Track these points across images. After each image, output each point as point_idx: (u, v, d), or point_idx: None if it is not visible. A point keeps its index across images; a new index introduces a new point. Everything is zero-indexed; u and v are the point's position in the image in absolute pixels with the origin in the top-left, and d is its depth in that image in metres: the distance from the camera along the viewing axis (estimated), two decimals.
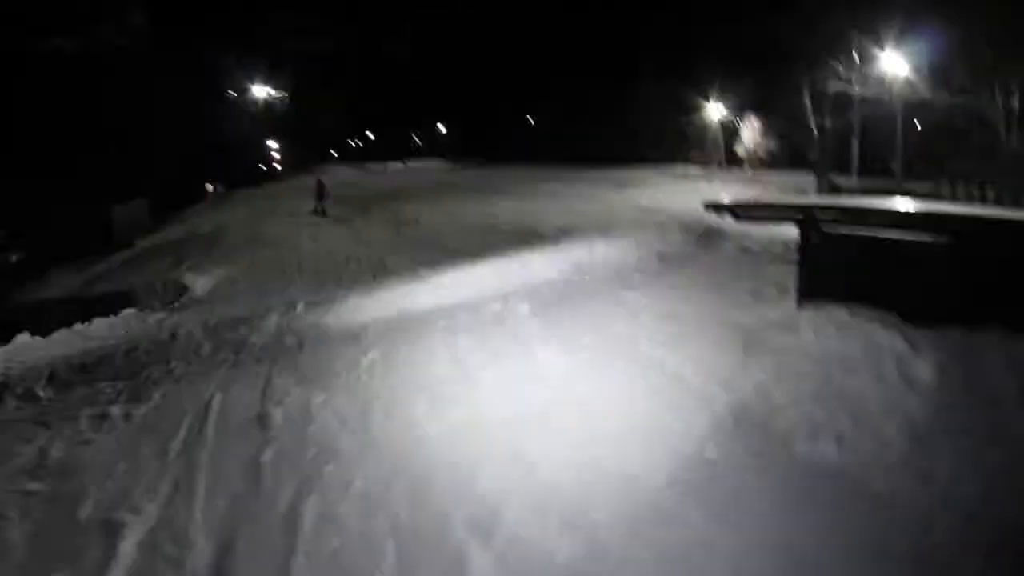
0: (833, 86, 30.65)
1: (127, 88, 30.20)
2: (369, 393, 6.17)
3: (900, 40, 26.54)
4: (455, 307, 8.88)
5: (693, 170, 34.26)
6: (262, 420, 5.64)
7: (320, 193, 24.37)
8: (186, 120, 33.48)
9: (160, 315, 11.07)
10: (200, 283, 13.85)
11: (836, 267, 6.60)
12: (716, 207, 7.70)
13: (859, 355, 5.70)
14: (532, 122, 51.47)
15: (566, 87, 44.39)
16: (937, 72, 25.51)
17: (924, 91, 26.67)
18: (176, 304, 12.25)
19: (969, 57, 23.34)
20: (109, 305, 11.52)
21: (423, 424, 5.60)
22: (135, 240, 24.69)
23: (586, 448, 5.02)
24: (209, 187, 42.03)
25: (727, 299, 8.67)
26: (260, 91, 46.18)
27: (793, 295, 7.64)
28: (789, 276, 9.76)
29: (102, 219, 26.85)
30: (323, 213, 23.57)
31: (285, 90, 47.45)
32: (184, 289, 13.52)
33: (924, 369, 5.25)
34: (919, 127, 29.15)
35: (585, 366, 6.72)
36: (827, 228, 6.65)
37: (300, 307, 9.61)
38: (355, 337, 8.01)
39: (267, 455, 4.96)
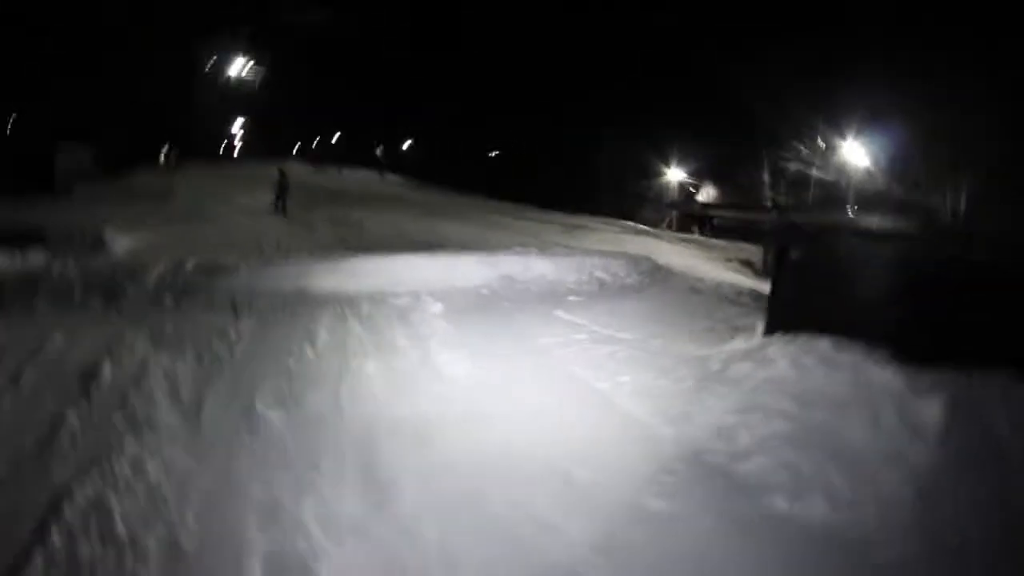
0: (793, 166, 30.90)
1: (95, 36, 28.66)
2: (219, 366, 5.19)
3: (863, 131, 26.95)
4: (359, 295, 7.50)
5: (644, 227, 33.99)
6: (88, 374, 4.76)
7: (282, 187, 21.06)
8: (151, 78, 31.66)
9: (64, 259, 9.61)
10: (122, 241, 12.80)
11: (818, 290, 5.37)
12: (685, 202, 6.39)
13: (849, 393, 4.41)
14: (492, 156, 50.78)
15: (532, 128, 43.83)
16: (895, 165, 25.82)
17: (880, 183, 27.00)
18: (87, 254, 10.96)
19: (928, 153, 23.63)
20: (17, 241, 10.46)
21: (266, 412, 4.23)
22: (74, 187, 22.76)
23: (474, 478, 3.52)
24: (163, 154, 40.41)
25: (677, 330, 7.37)
26: (235, 65, 43.12)
27: (754, 333, 6.37)
28: (744, 317, 8.67)
29: (44, 159, 24.90)
30: (283, 211, 20.02)
31: (260, 69, 44.44)
32: (102, 243, 12.45)
33: (929, 412, 4.00)
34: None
35: (496, 379, 5.24)
36: (811, 244, 5.48)
37: (191, 267, 8.40)
38: (236, 305, 7.07)
39: (71, 416, 4.07)
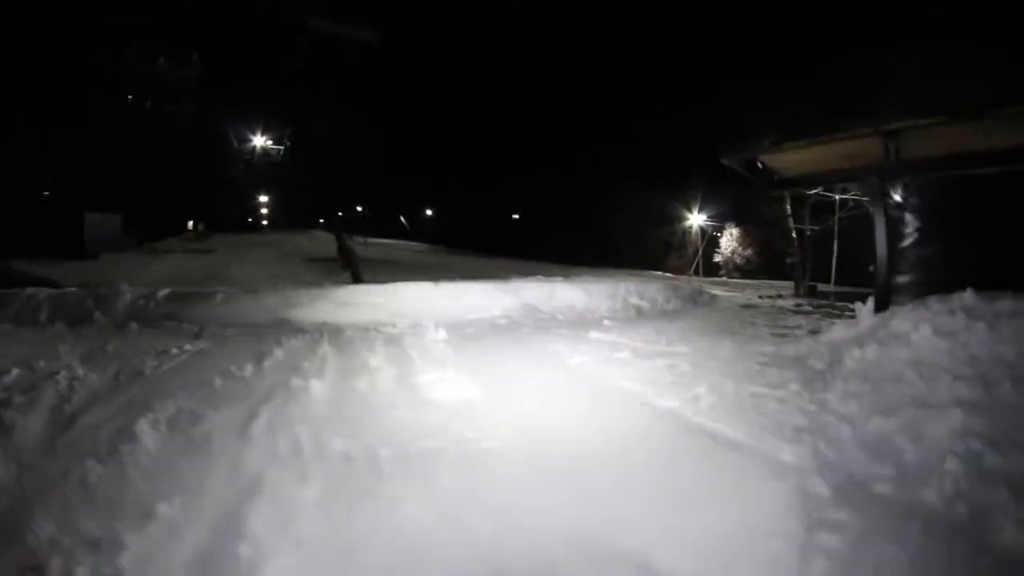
0: (813, 190, 29.60)
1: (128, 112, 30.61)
2: (132, 380, 4.26)
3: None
4: (348, 325, 6.43)
5: (670, 275, 32.84)
6: None
7: (347, 255, 19.56)
8: (181, 151, 33.08)
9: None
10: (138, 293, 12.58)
11: (937, 237, 3.94)
12: (741, 152, 5.00)
13: None
14: (516, 218, 50.47)
15: (555, 187, 43.56)
16: None
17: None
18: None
19: None
20: (27, 283, 10.21)
21: (144, 432, 3.10)
22: (100, 253, 23.07)
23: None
24: (190, 224, 41.10)
25: (745, 339, 5.86)
26: (259, 140, 43.94)
27: (852, 320, 4.88)
28: (817, 322, 7.23)
29: (75, 226, 26.38)
30: (357, 279, 18.64)
31: (283, 144, 45.26)
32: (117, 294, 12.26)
33: None
34: None
35: (502, 404, 3.67)
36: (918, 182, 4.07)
37: (165, 295, 7.85)
38: (201, 331, 6.37)
39: None
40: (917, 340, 3.38)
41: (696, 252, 36.93)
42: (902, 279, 4.21)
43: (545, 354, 5.10)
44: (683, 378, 4.11)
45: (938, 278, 3.90)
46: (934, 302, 3.63)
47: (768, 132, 4.47)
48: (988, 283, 3.62)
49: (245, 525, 2.21)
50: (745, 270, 35.16)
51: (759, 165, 5.14)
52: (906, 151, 4.21)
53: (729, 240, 36.25)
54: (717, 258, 36.48)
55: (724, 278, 33.76)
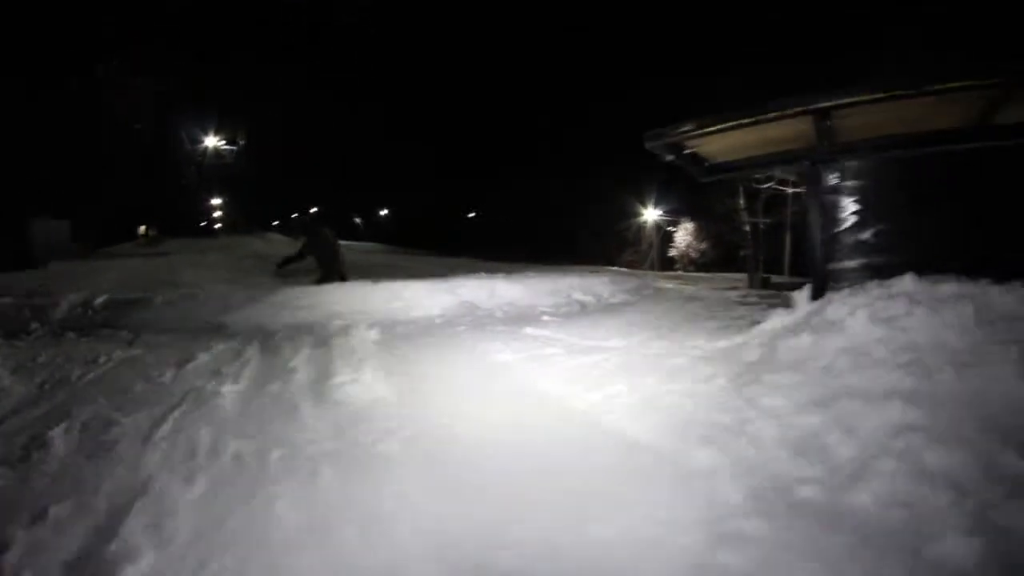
0: (766, 186, 29.91)
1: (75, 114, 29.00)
2: (56, 389, 4.26)
3: None
4: (281, 327, 6.36)
5: (626, 270, 32.99)
6: None
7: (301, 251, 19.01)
8: (130, 154, 31.59)
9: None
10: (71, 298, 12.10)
11: (876, 217, 3.72)
12: (663, 137, 4.69)
13: (978, 336, 2.72)
14: (470, 216, 50.15)
15: (512, 186, 43.40)
16: None
17: None
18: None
19: None
20: None
21: (56, 437, 3.17)
22: (49, 261, 21.80)
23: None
24: (141, 229, 40.05)
25: (683, 333, 5.61)
26: (211, 140, 41.96)
27: (792, 310, 4.65)
28: (762, 313, 7.02)
29: (21, 234, 24.72)
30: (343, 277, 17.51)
31: (236, 145, 43.31)
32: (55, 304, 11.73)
33: None
34: None
35: (411, 403, 3.47)
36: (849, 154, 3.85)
37: (102, 301, 7.81)
38: (136, 337, 6.27)
39: None
40: (853, 327, 3.13)
41: (651, 247, 37.18)
42: (841, 265, 3.98)
43: (473, 352, 4.92)
44: (607, 375, 3.84)
45: (878, 263, 3.70)
46: (873, 287, 3.40)
47: (692, 116, 4.22)
48: (931, 267, 3.42)
49: (122, 526, 2.25)
50: (700, 264, 35.55)
51: (685, 151, 4.88)
52: (841, 133, 4.00)
53: (684, 235, 36.56)
54: (672, 252, 36.75)
55: (679, 272, 34.07)
